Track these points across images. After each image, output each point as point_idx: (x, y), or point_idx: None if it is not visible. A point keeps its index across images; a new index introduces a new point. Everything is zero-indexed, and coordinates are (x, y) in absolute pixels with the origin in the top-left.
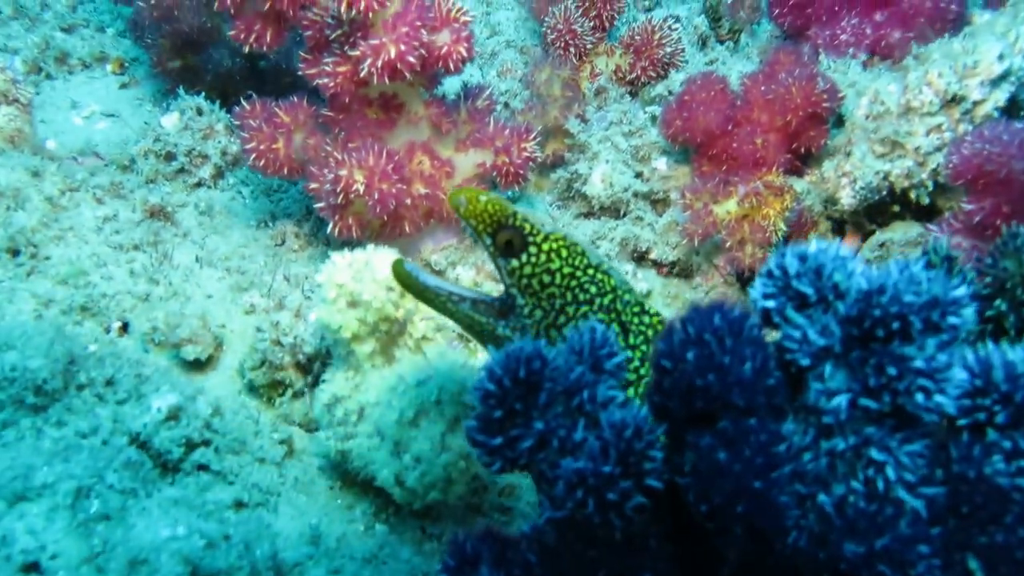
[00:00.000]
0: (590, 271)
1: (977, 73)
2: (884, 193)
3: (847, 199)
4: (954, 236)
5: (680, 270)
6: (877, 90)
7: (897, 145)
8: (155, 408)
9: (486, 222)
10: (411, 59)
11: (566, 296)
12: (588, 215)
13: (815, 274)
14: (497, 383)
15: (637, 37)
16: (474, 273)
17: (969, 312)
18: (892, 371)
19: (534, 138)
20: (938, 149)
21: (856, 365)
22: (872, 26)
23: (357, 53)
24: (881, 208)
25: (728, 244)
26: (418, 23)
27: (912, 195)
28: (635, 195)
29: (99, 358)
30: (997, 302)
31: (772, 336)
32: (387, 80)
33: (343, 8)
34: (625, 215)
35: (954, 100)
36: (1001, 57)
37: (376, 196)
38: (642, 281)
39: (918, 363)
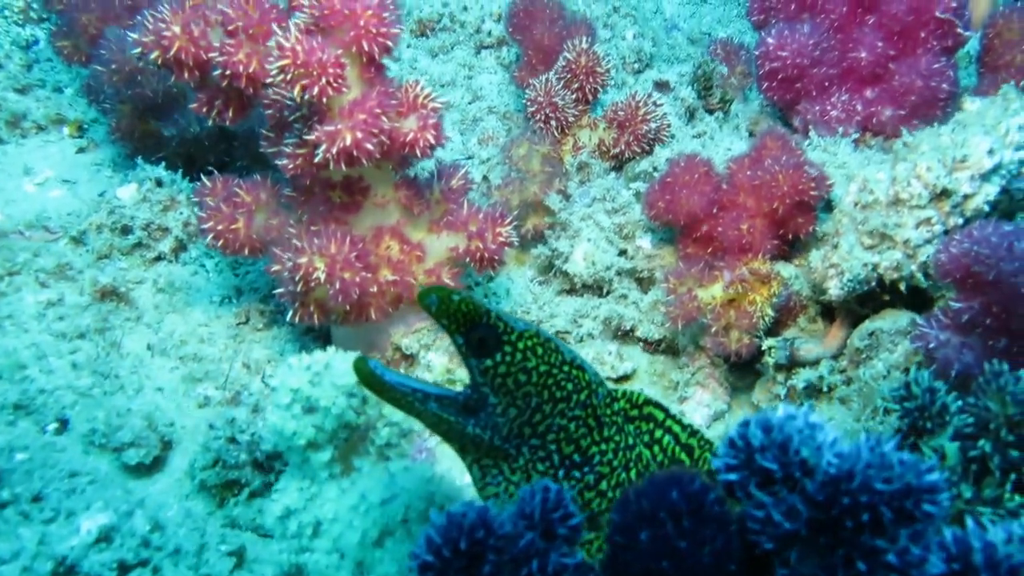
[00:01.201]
0: (565, 368)
1: (967, 167)
2: (873, 284)
3: (835, 290)
4: (943, 332)
5: (667, 347)
6: (866, 178)
7: (886, 237)
8: (84, 529)
9: (459, 322)
10: (369, 147)
11: (543, 394)
12: (570, 292)
13: (780, 449)
14: (436, 553)
15: (621, 112)
16: (447, 360)
17: (944, 498)
18: (862, 567)
19: (510, 222)
20: (928, 242)
21: (825, 553)
22: (863, 103)
23: (312, 138)
24: (871, 296)
25: (713, 329)
26: (378, 110)
27: (901, 287)
28: (619, 273)
29: (27, 471)
30: (981, 442)
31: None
32: (343, 167)
33: (296, 92)
34: (608, 293)
35: (944, 194)
36: (991, 152)
37: (338, 285)
38: (627, 360)
39: (890, 558)
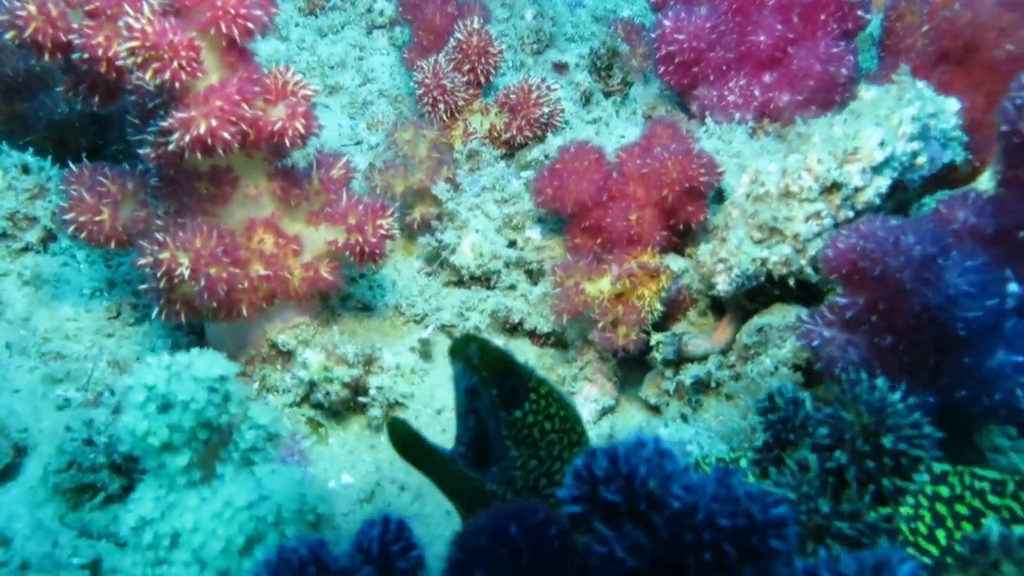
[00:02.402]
0: (572, 410)
1: (858, 159)
2: (762, 279)
3: (723, 285)
4: (828, 329)
5: (556, 341)
6: (758, 170)
7: (775, 231)
8: None
9: (497, 371)
10: (226, 135)
11: (563, 440)
12: (458, 284)
13: (626, 480)
14: None
15: (512, 96)
16: (323, 357)
17: (791, 532)
18: None
19: (391, 214)
20: (817, 236)
21: None
22: (761, 88)
23: (166, 125)
24: (761, 290)
25: (601, 324)
26: (237, 97)
27: (791, 282)
28: (507, 265)
29: None
30: (837, 454)
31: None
32: (199, 155)
33: (148, 76)
34: (496, 286)
35: (834, 186)
36: (883, 144)
37: (203, 282)
38: (515, 355)
39: None
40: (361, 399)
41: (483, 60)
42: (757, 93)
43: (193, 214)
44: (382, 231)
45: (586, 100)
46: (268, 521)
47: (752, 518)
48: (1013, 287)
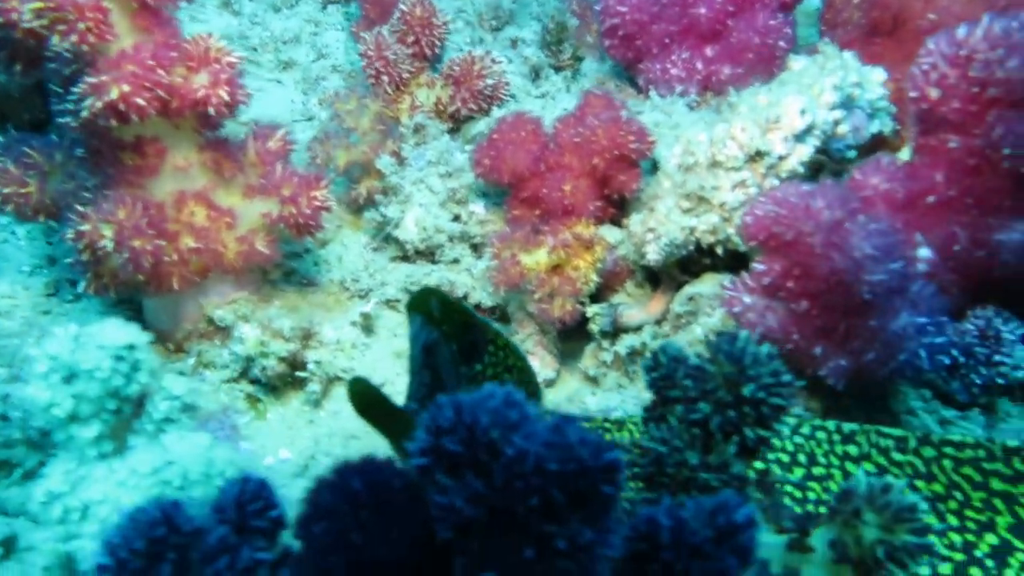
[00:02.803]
0: (526, 361)
1: (779, 127)
2: (691, 248)
3: (653, 254)
4: (748, 295)
5: (500, 314)
6: (689, 140)
7: (703, 200)
8: None
9: (458, 325)
10: (140, 101)
11: (522, 392)
12: (404, 259)
13: (468, 431)
14: (112, 554)
15: (456, 68)
16: (259, 331)
17: (622, 477)
18: (529, 554)
19: (326, 185)
20: (743, 204)
21: (502, 541)
22: (703, 61)
23: (79, 91)
24: (694, 260)
25: (537, 296)
26: (151, 62)
27: (719, 250)
28: (451, 239)
29: None
30: (701, 405)
31: None
32: (115, 122)
33: (56, 40)
34: (440, 260)
35: (758, 155)
36: (803, 112)
37: (127, 254)
38: None
39: (559, 543)
40: (300, 374)
41: (427, 32)
42: (700, 66)
43: (119, 186)
44: (316, 203)
45: (535, 75)
46: (174, 485)
47: (582, 463)
48: (924, 251)
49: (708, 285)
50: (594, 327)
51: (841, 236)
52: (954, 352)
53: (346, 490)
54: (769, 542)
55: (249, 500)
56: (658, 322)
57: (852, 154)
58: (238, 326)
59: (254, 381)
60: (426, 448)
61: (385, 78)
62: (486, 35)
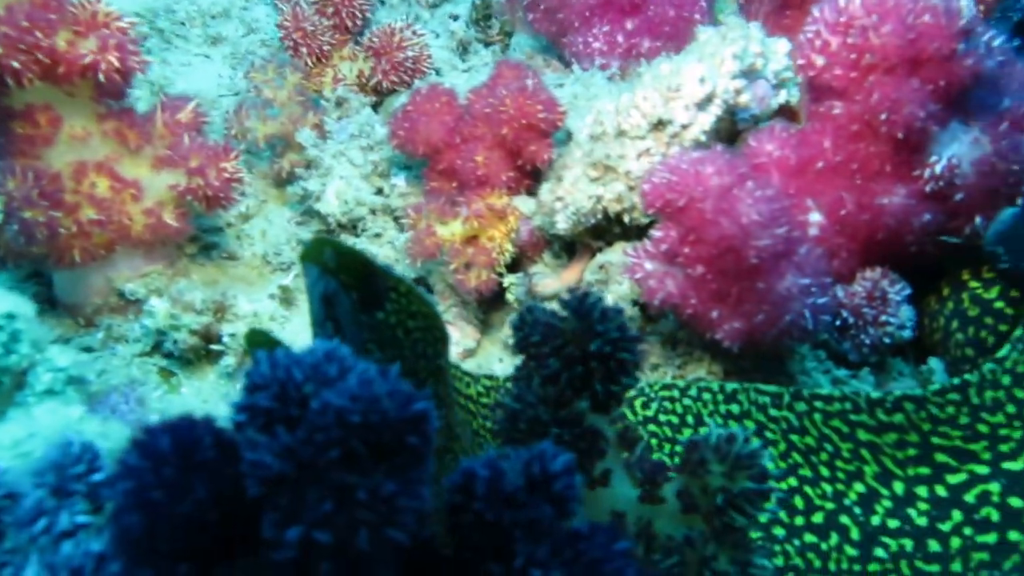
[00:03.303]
0: (432, 308)
1: (680, 96)
2: (600, 217)
3: (561, 223)
4: (648, 261)
5: (424, 286)
6: (599, 110)
7: (609, 169)
8: None
9: (356, 273)
10: (14, 64)
11: (427, 338)
12: (328, 233)
13: (281, 386)
14: None
15: (376, 39)
16: (169, 304)
17: (431, 429)
18: (328, 507)
19: (235, 157)
20: (648, 173)
21: (310, 495)
22: (624, 34)
23: None
24: (605, 228)
25: (453, 266)
26: (26, 23)
27: (626, 219)
28: (373, 212)
29: None
30: (550, 361)
31: None
32: None
33: None
34: (363, 233)
35: (660, 124)
36: (702, 80)
37: (17, 226)
38: None
39: (360, 494)
40: (214, 347)
41: (347, 3)
42: (620, 39)
43: (11, 156)
44: (226, 174)
45: (464, 49)
46: (33, 457)
47: (386, 415)
48: (815, 215)
49: (618, 253)
50: (510, 297)
51: (729, 202)
52: (843, 313)
53: (151, 449)
54: (629, 495)
55: (71, 463)
56: (572, 291)
57: (765, 123)
58: (152, 300)
59: (167, 355)
60: (241, 404)
61: (304, 50)
62: (423, 11)
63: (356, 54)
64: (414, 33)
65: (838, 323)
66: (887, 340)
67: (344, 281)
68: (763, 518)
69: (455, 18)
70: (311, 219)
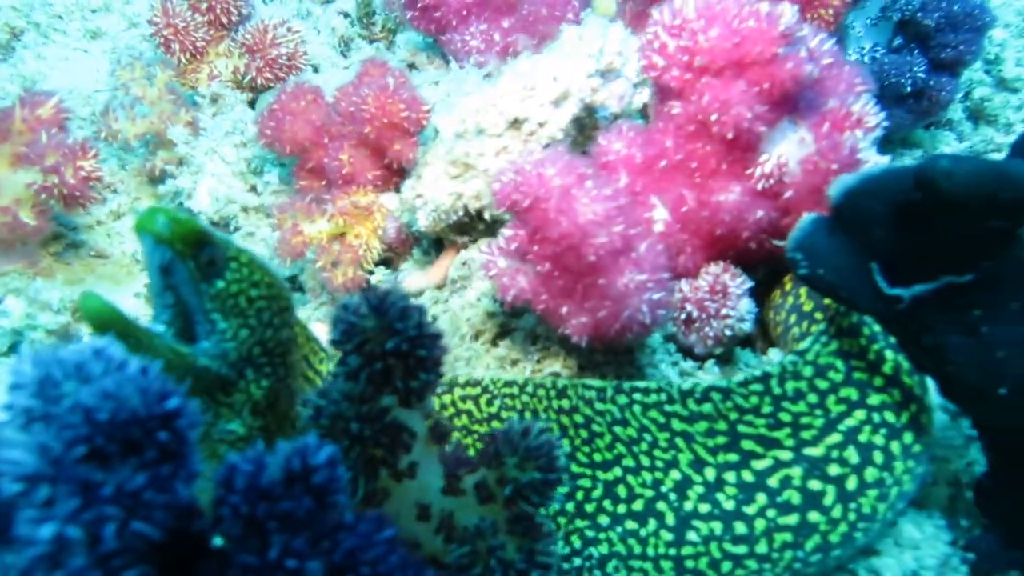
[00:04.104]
0: (276, 276)
1: (535, 95)
2: (461, 214)
3: (423, 220)
4: (502, 258)
5: (298, 285)
6: (463, 107)
7: (469, 166)
8: None
9: (191, 242)
10: None
11: (272, 306)
12: None
13: (39, 384)
14: None
15: (250, 36)
16: (25, 304)
17: (183, 424)
18: (75, 502)
19: (94, 155)
20: None
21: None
22: (501, 32)
23: None
24: (470, 225)
25: (319, 264)
26: None
27: (487, 215)
28: (245, 210)
29: None
30: (350, 359)
31: None
32: None
33: None
34: (237, 231)
35: (517, 122)
36: (556, 79)
37: None
38: None
39: (105, 491)
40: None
41: (222, 1)
42: (497, 38)
43: None
44: (83, 172)
45: (346, 46)
46: None
47: (134, 412)
48: (660, 212)
49: (487, 244)
50: None
51: (568, 202)
52: (687, 307)
53: None
54: (436, 487)
55: None
56: (440, 287)
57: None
58: (4, 300)
59: None
60: (6, 404)
61: (176, 46)
62: (314, 7)
63: (232, 50)
64: (289, 30)
65: (683, 316)
66: (728, 332)
67: (179, 250)
68: (554, 507)
69: (346, 15)
70: None
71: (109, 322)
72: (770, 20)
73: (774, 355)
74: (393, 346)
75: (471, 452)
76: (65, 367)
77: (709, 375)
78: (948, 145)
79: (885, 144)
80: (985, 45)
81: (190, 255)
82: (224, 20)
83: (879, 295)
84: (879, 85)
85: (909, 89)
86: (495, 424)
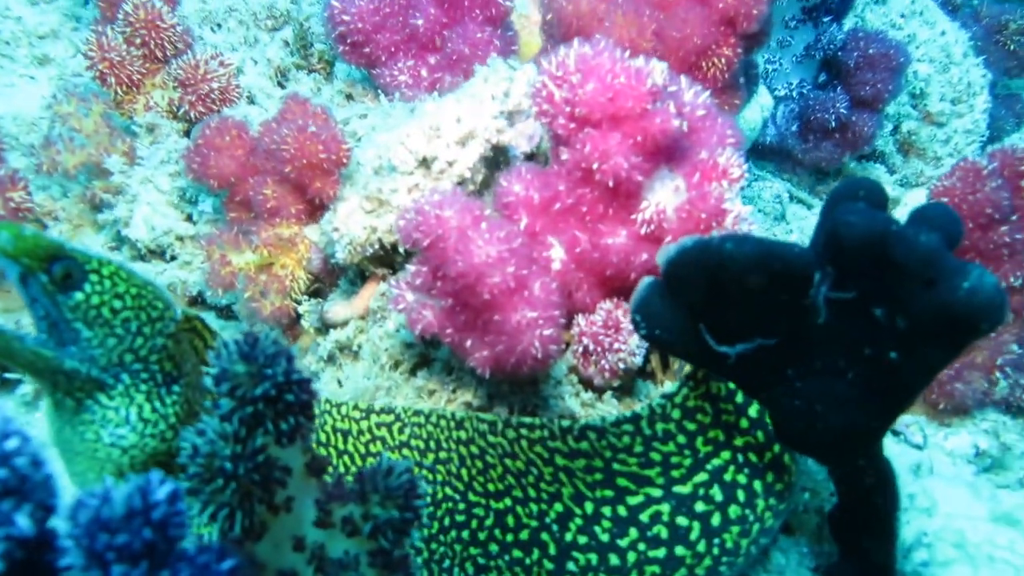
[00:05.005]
0: (149, 288)
1: (440, 135)
2: (377, 247)
3: (340, 253)
4: (408, 292)
5: (234, 315)
6: (379, 143)
7: (383, 202)
8: None
9: (40, 257)
10: None
11: (141, 316)
12: (140, 258)
13: None
14: None
15: (182, 71)
16: None
17: (23, 463)
18: None
19: (23, 187)
20: None
21: None
22: (428, 68)
23: None
24: (389, 258)
25: (248, 295)
26: None
27: (401, 249)
28: (179, 239)
29: None
30: (222, 401)
31: None
32: None
33: None
34: (173, 259)
35: (426, 161)
36: (459, 120)
37: None
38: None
39: None
40: (8, 376)
41: (155, 34)
42: (425, 73)
43: None
44: (12, 204)
45: (283, 76)
46: None
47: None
48: (557, 251)
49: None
50: (305, 323)
51: (464, 243)
52: (584, 340)
53: None
54: (311, 520)
55: None
56: (363, 317)
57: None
58: None
59: None
60: None
61: (112, 79)
62: (263, 34)
63: (167, 82)
64: (221, 64)
65: (581, 349)
66: (622, 365)
67: (28, 265)
68: (417, 540)
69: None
70: (123, 244)
71: None
72: (639, 77)
73: (669, 387)
74: (262, 392)
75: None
76: None
77: (608, 406)
78: (878, 178)
79: (820, 176)
80: (911, 80)
81: (40, 268)
82: (159, 54)
83: (710, 352)
84: (807, 119)
85: (834, 124)
86: (405, 452)
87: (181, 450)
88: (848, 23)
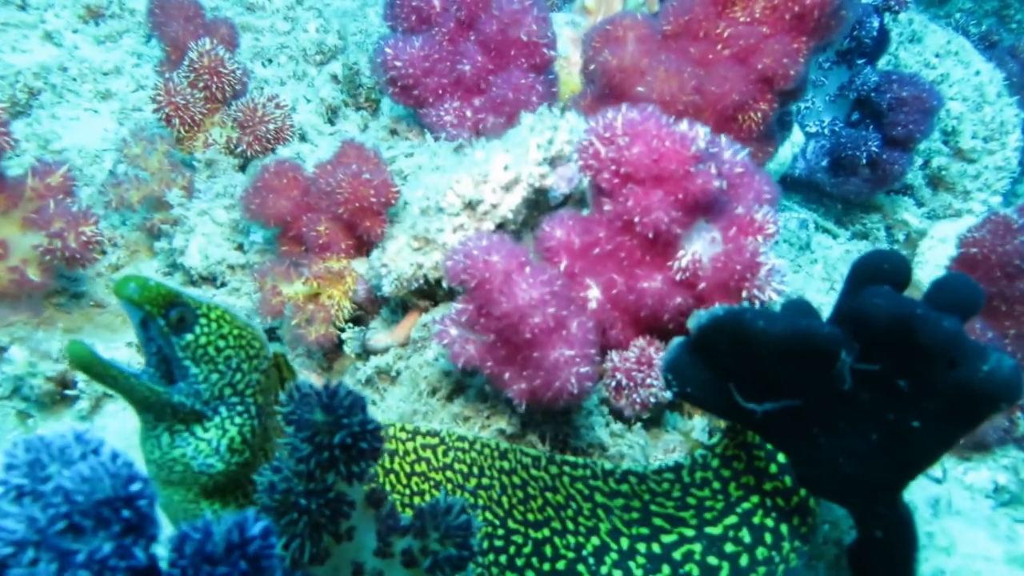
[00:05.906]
0: (248, 329)
1: (488, 181)
2: (422, 282)
3: (386, 287)
4: (453, 328)
5: (278, 337)
6: (426, 185)
7: (429, 241)
8: None
9: (159, 304)
10: None
11: (240, 354)
12: (191, 284)
13: (29, 466)
14: None
15: (240, 113)
16: (27, 353)
17: (141, 503)
18: (53, 567)
19: (94, 222)
20: None
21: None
22: (472, 110)
23: None
24: (432, 291)
25: (295, 322)
26: None
27: (444, 284)
28: (230, 267)
29: None
30: (302, 445)
31: None
32: None
33: None
34: (223, 286)
35: (472, 204)
36: (507, 167)
37: None
38: None
39: (79, 557)
40: (69, 392)
41: (216, 79)
42: (469, 115)
43: None
44: (84, 237)
45: (333, 114)
46: None
47: (106, 494)
48: (594, 292)
49: (441, 313)
50: (347, 349)
51: (509, 285)
52: (617, 375)
53: None
54: (371, 548)
55: None
56: (403, 345)
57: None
58: (16, 348)
59: (25, 399)
60: (2, 480)
61: (176, 121)
62: (311, 68)
63: (226, 121)
64: (276, 106)
65: (614, 384)
66: (652, 400)
67: (149, 311)
68: (490, 557)
69: (337, 77)
70: (176, 271)
71: (89, 365)
72: (683, 143)
73: (698, 421)
74: (339, 440)
75: (427, 499)
76: (51, 451)
77: (637, 436)
78: (907, 210)
79: (848, 209)
80: (943, 118)
81: (159, 314)
82: (219, 96)
83: (739, 408)
84: (838, 155)
85: (864, 161)
86: (448, 473)
87: (258, 485)
88: (882, 62)
